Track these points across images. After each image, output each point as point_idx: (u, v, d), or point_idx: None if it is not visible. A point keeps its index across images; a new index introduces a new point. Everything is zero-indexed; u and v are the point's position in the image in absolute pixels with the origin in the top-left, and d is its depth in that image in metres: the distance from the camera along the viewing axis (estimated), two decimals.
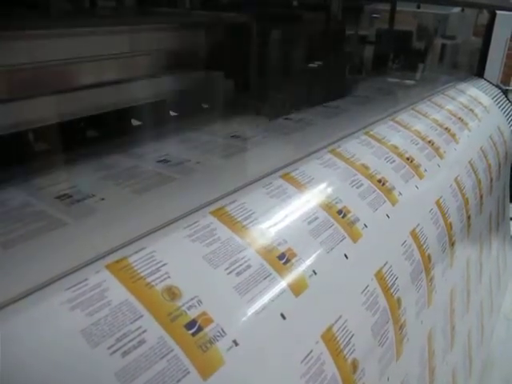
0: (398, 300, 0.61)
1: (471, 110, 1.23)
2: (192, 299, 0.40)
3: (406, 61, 1.56)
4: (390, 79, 1.43)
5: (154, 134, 0.70)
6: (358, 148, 0.74)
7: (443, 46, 1.69)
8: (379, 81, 1.37)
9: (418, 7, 1.68)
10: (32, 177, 0.54)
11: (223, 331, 0.39)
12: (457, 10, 1.76)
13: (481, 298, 1.14)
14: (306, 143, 0.71)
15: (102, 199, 0.50)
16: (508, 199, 1.50)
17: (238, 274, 0.44)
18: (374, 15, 1.49)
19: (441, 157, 0.89)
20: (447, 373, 0.85)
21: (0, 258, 0.40)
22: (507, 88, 1.71)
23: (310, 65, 1.04)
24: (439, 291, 0.76)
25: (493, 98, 1.46)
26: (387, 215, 0.66)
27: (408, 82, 1.43)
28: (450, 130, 1.01)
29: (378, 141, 0.79)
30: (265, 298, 0.44)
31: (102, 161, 0.60)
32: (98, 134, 0.70)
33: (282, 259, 0.48)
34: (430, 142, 0.90)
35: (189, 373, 0.36)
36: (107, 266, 0.39)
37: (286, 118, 0.84)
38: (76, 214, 0.47)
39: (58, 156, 0.59)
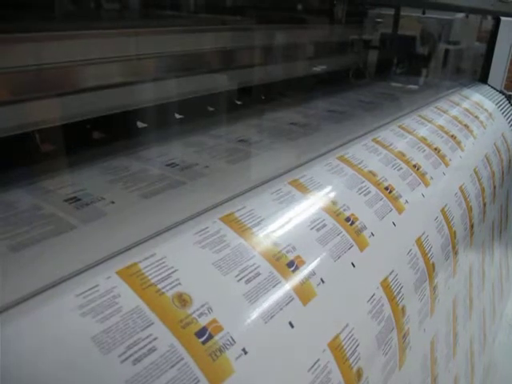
0: (403, 308, 0.61)
1: (476, 117, 1.23)
2: (202, 306, 0.40)
3: (410, 66, 1.56)
4: (394, 84, 1.43)
5: (161, 136, 0.70)
6: (365, 154, 0.74)
7: (447, 51, 1.69)
8: (383, 86, 1.37)
9: (423, 13, 1.68)
10: (40, 179, 0.54)
11: (233, 339, 0.39)
12: (461, 15, 1.76)
13: (483, 305, 1.14)
14: (313, 149, 0.71)
15: (112, 202, 0.50)
16: (511, 206, 1.50)
17: (248, 281, 0.44)
18: (378, 20, 1.49)
19: (446, 164, 0.89)
20: (449, 380, 0.85)
21: (9, 261, 0.40)
22: (511, 93, 1.71)
23: None
24: (442, 299, 0.76)
25: (497, 104, 1.47)
26: (393, 223, 0.66)
27: (412, 87, 1.43)
28: (455, 138, 1.01)
29: (385, 147, 0.79)
30: (274, 307, 0.44)
31: (109, 163, 0.60)
32: (105, 137, 0.70)
33: (290, 267, 0.48)
34: (436, 149, 0.90)
35: (199, 382, 0.35)
36: (118, 272, 0.39)
37: (292, 123, 0.84)
38: (85, 217, 0.47)
39: (65, 158, 0.59)
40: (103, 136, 0.70)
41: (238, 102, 0.95)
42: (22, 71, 0.52)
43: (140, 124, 0.73)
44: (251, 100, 0.95)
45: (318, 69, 1.15)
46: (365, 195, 0.65)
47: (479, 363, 1.07)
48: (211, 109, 0.89)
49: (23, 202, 0.49)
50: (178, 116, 0.81)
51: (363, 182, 0.67)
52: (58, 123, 0.57)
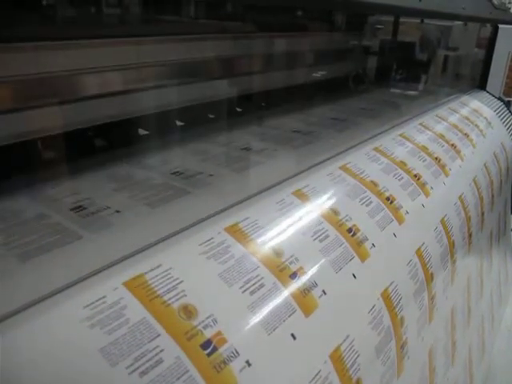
0: (402, 319, 0.62)
1: (476, 126, 1.24)
2: (208, 318, 0.40)
3: (410, 72, 1.57)
4: (393, 90, 1.44)
5: (165, 144, 0.71)
6: (367, 164, 0.75)
7: (446, 57, 1.70)
8: (384, 92, 1.37)
9: (422, 21, 1.69)
10: (46, 187, 0.54)
11: (237, 351, 0.40)
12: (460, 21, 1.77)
13: (482, 313, 1.14)
14: (316, 158, 0.71)
15: (117, 212, 0.51)
16: (509, 215, 1.51)
17: (252, 292, 0.45)
18: (378, 26, 1.49)
19: (446, 174, 0.90)
20: None
21: (16, 272, 0.40)
22: (509, 99, 1.72)
23: None
24: (440, 308, 0.77)
25: (495, 111, 1.48)
26: (394, 234, 0.66)
27: (412, 93, 1.44)
28: (455, 147, 1.02)
29: (387, 157, 0.80)
30: (276, 318, 0.44)
31: (115, 172, 0.60)
32: (109, 145, 0.70)
33: (293, 278, 0.49)
34: (436, 158, 0.91)
35: None
36: (125, 283, 0.39)
37: (295, 131, 0.85)
38: (92, 226, 0.47)
39: (70, 166, 0.59)
40: (107, 144, 0.70)
41: (239, 109, 0.95)
42: (23, 80, 0.53)
43: (142, 131, 0.73)
44: (252, 107, 0.95)
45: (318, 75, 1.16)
46: (366, 206, 0.65)
47: (478, 371, 1.08)
48: (212, 116, 0.89)
49: (30, 210, 0.49)
50: (179, 123, 0.82)
51: (365, 192, 0.68)
52: (62, 131, 0.58)
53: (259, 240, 0.50)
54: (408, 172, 0.79)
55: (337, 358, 0.48)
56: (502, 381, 1.21)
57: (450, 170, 0.92)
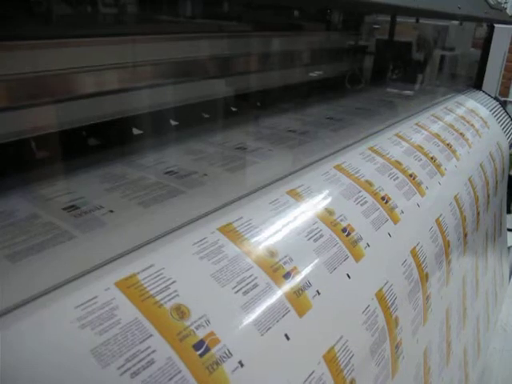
0: (396, 319, 0.62)
1: (472, 126, 1.24)
2: (200, 318, 0.40)
3: (406, 71, 1.57)
4: (390, 90, 1.44)
5: (159, 143, 0.70)
6: (362, 164, 0.75)
7: (442, 57, 1.70)
8: (380, 92, 1.37)
9: (417, 21, 1.69)
10: (38, 187, 0.54)
11: (229, 352, 0.39)
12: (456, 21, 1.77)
13: (477, 313, 1.14)
14: (311, 157, 0.71)
15: (111, 211, 0.50)
16: (505, 215, 1.51)
17: (245, 292, 0.44)
18: (375, 26, 1.49)
19: (442, 174, 0.90)
20: None
21: (7, 272, 0.40)
22: (505, 99, 1.72)
23: None
24: (435, 309, 0.77)
25: (491, 111, 1.48)
26: (389, 234, 0.66)
27: (408, 93, 1.44)
28: (451, 147, 1.02)
29: (382, 156, 0.80)
30: (270, 319, 0.44)
31: (108, 171, 0.60)
32: (102, 144, 0.70)
33: (287, 278, 0.48)
34: (432, 158, 0.91)
35: None
36: (116, 284, 0.39)
37: (290, 130, 0.85)
38: (84, 226, 0.47)
39: (63, 165, 0.59)
40: (100, 143, 0.69)
41: (234, 109, 0.95)
42: (17, 78, 0.53)
43: (136, 131, 0.73)
44: (247, 107, 0.95)
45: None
46: (361, 205, 0.65)
47: (473, 370, 1.08)
48: (207, 115, 0.89)
49: (22, 210, 0.49)
50: (173, 123, 0.82)
51: (360, 191, 0.67)
52: (55, 130, 0.58)
53: (253, 240, 0.50)
54: (403, 171, 0.79)
55: (330, 359, 0.48)
56: (498, 380, 1.21)
57: (446, 169, 0.92)
